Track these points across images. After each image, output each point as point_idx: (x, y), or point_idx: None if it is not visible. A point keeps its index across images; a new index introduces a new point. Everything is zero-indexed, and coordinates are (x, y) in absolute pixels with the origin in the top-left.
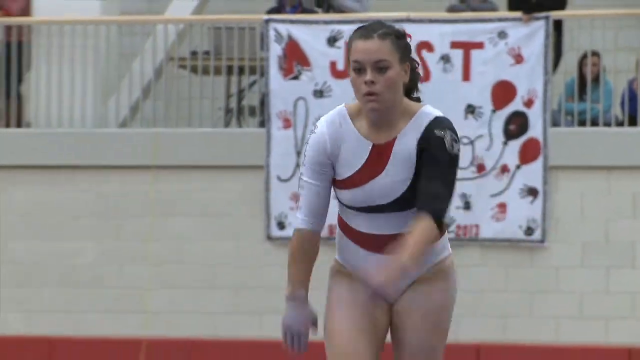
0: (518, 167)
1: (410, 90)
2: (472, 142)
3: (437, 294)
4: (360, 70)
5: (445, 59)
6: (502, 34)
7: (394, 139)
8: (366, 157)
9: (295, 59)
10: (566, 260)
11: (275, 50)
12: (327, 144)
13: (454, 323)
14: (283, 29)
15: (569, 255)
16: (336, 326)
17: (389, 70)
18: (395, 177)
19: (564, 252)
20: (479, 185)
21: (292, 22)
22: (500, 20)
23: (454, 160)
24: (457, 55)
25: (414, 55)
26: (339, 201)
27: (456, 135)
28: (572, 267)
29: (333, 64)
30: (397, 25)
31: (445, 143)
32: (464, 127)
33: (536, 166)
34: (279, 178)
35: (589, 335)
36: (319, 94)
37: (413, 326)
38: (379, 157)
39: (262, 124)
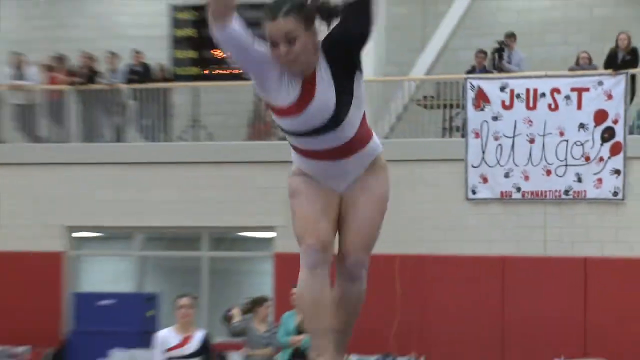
0: (609, 157)
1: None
2: (582, 144)
3: (380, 182)
4: (274, 44)
5: (567, 97)
6: (600, 82)
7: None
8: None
9: (481, 98)
10: (636, 210)
11: (470, 94)
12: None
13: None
14: (475, 82)
15: (638, 208)
16: (303, 211)
17: (297, 41)
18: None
19: (635, 206)
20: (587, 169)
21: (480, 78)
22: (599, 74)
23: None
24: (574, 95)
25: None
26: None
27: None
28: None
29: (503, 101)
30: (538, 81)
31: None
32: (578, 136)
33: (619, 157)
34: (472, 165)
35: None
36: (494, 118)
37: (363, 204)
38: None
39: (463, 135)
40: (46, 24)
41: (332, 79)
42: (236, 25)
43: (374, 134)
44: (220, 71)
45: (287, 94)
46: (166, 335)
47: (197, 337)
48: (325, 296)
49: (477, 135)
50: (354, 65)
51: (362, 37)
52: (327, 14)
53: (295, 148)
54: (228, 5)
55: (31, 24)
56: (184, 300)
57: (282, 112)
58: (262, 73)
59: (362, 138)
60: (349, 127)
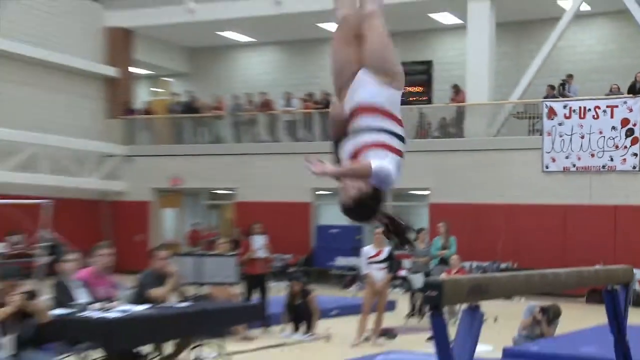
0: (630, 146)
1: None
2: (613, 139)
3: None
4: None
5: (604, 111)
6: (625, 102)
7: None
8: None
9: (552, 113)
10: None
11: (545, 110)
12: None
13: None
14: (548, 103)
15: None
16: None
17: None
18: None
19: None
20: (616, 153)
21: (551, 101)
22: (624, 97)
23: None
24: (609, 110)
25: None
26: None
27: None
28: None
29: (564, 114)
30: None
31: None
32: (611, 134)
33: (637, 146)
34: (546, 152)
35: None
36: (560, 124)
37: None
38: None
39: (541, 134)
40: (303, 75)
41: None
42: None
43: None
44: None
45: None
46: (367, 250)
47: (385, 251)
48: None
49: (549, 134)
50: None
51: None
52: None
53: None
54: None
55: (294, 74)
56: (378, 230)
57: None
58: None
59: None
60: None
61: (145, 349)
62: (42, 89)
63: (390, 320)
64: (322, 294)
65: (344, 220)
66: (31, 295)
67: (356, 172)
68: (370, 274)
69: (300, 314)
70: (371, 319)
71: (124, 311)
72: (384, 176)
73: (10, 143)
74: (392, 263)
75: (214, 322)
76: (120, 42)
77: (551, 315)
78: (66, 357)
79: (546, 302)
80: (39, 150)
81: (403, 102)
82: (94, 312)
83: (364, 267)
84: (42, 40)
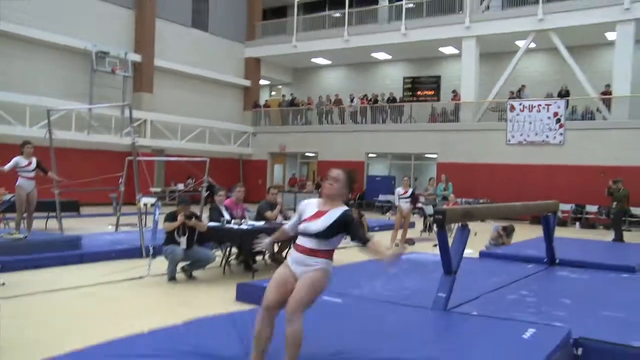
0: (558, 129)
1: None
2: (548, 124)
3: (317, 274)
4: (326, 179)
5: (544, 107)
6: (556, 102)
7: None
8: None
9: (512, 108)
10: None
11: (508, 106)
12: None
13: None
14: (510, 102)
15: None
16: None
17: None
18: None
19: None
20: (550, 133)
21: (512, 100)
22: (555, 99)
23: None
24: (546, 107)
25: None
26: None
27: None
28: None
29: (520, 109)
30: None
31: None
32: (548, 122)
33: (562, 129)
34: (510, 134)
35: None
36: (517, 115)
37: (298, 284)
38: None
39: (505, 120)
40: (360, 83)
41: (332, 222)
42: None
43: (329, 261)
44: None
45: (311, 211)
46: (399, 190)
47: (410, 191)
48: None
49: (510, 121)
50: (343, 231)
51: (351, 233)
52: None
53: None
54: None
55: (355, 83)
56: (405, 179)
57: (306, 219)
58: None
59: (325, 254)
60: (325, 245)
61: None
62: (203, 94)
63: (411, 233)
64: (370, 217)
65: (385, 172)
66: (189, 216)
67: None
68: (400, 205)
69: None
70: (399, 233)
71: (250, 225)
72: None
73: (189, 126)
74: (413, 199)
75: None
76: (253, 65)
77: (509, 231)
78: (216, 250)
79: (506, 223)
80: (204, 130)
81: (423, 101)
82: (233, 225)
83: (396, 200)
84: (203, 63)
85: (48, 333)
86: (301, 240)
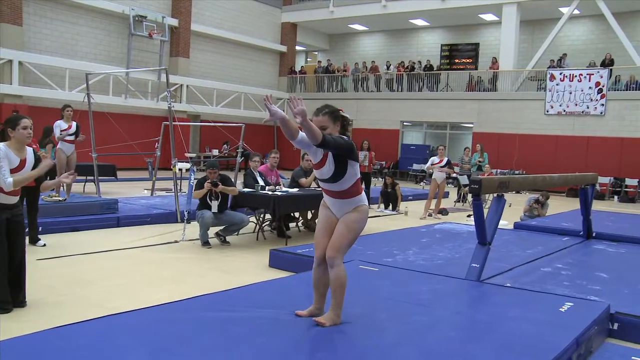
0: (600, 99)
1: (344, 131)
2: (589, 94)
3: (353, 215)
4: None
5: (585, 77)
6: (598, 71)
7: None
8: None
9: (552, 77)
10: None
11: (549, 75)
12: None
13: None
14: (550, 70)
15: None
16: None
17: (326, 129)
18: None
19: None
20: (591, 104)
21: (551, 69)
22: (598, 68)
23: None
24: (588, 76)
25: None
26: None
27: (342, 139)
28: None
29: (560, 78)
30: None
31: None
32: (589, 92)
33: (604, 99)
34: (550, 104)
35: None
36: (557, 84)
37: (338, 225)
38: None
39: (544, 90)
40: (397, 50)
41: (332, 159)
42: (300, 135)
43: (362, 194)
44: None
45: (316, 158)
46: (433, 159)
47: (445, 160)
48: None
49: (550, 90)
50: (344, 159)
51: (341, 154)
52: (343, 122)
53: (322, 188)
54: (294, 132)
55: (391, 50)
56: (441, 148)
57: (315, 166)
58: (310, 149)
59: (350, 193)
60: (343, 185)
61: (296, 214)
62: (240, 59)
63: (445, 203)
64: (404, 186)
65: (420, 141)
66: (215, 184)
67: (312, 132)
68: (434, 175)
69: (390, 198)
70: (433, 203)
71: (284, 191)
72: (316, 149)
73: (224, 91)
74: (449, 167)
75: None
76: (289, 31)
77: (543, 201)
78: (251, 215)
79: (539, 194)
80: (239, 95)
81: (461, 69)
82: (267, 191)
83: (428, 170)
84: (239, 28)
85: (94, 291)
86: (324, 185)
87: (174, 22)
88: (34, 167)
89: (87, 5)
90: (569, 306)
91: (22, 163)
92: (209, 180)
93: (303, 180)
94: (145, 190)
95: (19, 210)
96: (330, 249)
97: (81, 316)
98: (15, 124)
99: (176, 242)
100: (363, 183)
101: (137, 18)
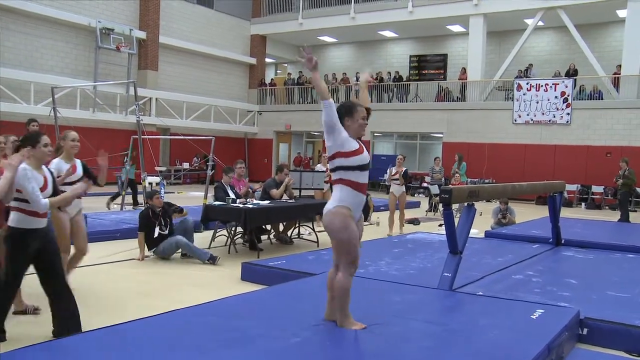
0: (565, 108)
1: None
2: (555, 104)
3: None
4: (363, 119)
5: (551, 87)
6: (563, 81)
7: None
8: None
9: (519, 87)
10: None
11: (516, 85)
12: None
13: None
14: (517, 80)
15: None
16: (354, 242)
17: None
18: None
19: None
20: (557, 113)
21: (519, 79)
22: (563, 78)
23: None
24: (554, 86)
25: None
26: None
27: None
28: None
29: (527, 88)
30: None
31: None
32: (555, 102)
33: (569, 108)
34: (517, 113)
35: None
36: (523, 94)
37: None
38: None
39: (512, 99)
40: (367, 61)
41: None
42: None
43: (339, 197)
44: None
45: (355, 144)
46: (390, 170)
47: (403, 171)
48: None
49: (517, 100)
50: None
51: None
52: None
53: (353, 184)
54: (324, 92)
55: (361, 61)
56: (400, 157)
57: (356, 152)
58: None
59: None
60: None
61: (268, 226)
62: (209, 71)
63: (415, 213)
64: (375, 196)
65: (390, 151)
66: (181, 209)
67: (319, 88)
68: (391, 187)
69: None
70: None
71: (255, 204)
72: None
73: (194, 104)
74: (407, 179)
75: (309, 211)
76: (258, 43)
77: (504, 207)
78: (221, 230)
79: (511, 204)
80: (209, 108)
81: (430, 79)
82: (238, 204)
83: (387, 181)
84: (209, 41)
85: None
86: (365, 177)
87: (142, 34)
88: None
89: (51, 17)
90: (540, 313)
91: (45, 182)
92: (175, 207)
93: (274, 192)
94: (115, 205)
95: (49, 232)
96: (334, 255)
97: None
98: (35, 141)
99: (147, 257)
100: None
101: (104, 31)
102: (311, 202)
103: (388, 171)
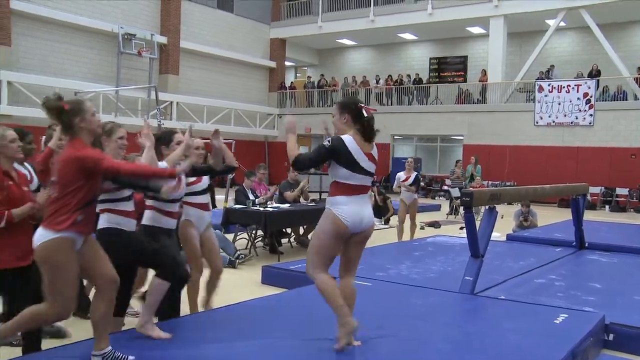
0: (588, 110)
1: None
2: (578, 105)
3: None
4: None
5: (573, 88)
6: (586, 82)
7: None
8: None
9: (541, 88)
10: None
11: (537, 86)
12: None
13: None
14: (538, 82)
15: None
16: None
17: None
18: None
19: None
20: (579, 114)
21: (540, 80)
22: (585, 79)
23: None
24: (576, 87)
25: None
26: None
27: (329, 141)
28: None
29: (549, 89)
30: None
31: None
32: (578, 103)
33: (592, 110)
34: (539, 115)
35: None
36: (545, 96)
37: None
38: None
39: (532, 101)
40: (386, 64)
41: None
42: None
43: (333, 198)
44: None
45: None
46: (400, 175)
47: (412, 177)
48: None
49: (538, 102)
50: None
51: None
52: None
53: (350, 187)
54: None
55: (380, 64)
56: (409, 161)
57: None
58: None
59: (329, 193)
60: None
61: (288, 229)
62: (229, 75)
63: (436, 216)
64: (394, 199)
65: (411, 154)
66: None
67: (289, 147)
68: (401, 195)
69: (381, 211)
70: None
71: (275, 207)
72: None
73: (214, 108)
74: (417, 185)
75: None
76: (278, 46)
77: (525, 210)
78: (241, 233)
79: (533, 206)
80: (229, 112)
81: (450, 82)
82: (259, 207)
83: (396, 187)
84: (229, 45)
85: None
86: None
87: (163, 39)
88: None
89: (75, 24)
90: (563, 318)
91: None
92: None
93: (287, 194)
94: None
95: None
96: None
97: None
98: (170, 139)
99: None
100: None
101: (126, 36)
102: None
103: (397, 177)
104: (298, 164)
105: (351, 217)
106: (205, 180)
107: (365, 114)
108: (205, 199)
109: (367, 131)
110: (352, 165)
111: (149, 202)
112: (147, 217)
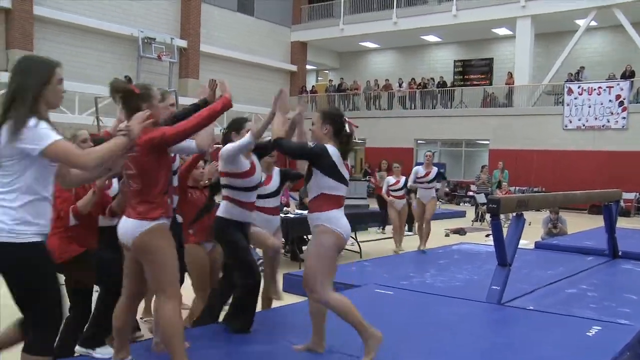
0: (621, 112)
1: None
2: (609, 108)
3: (314, 241)
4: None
5: (605, 90)
6: (618, 84)
7: None
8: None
9: (570, 91)
10: None
11: (566, 89)
12: None
13: None
14: (567, 84)
15: None
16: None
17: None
18: None
19: None
20: (611, 117)
21: (569, 82)
22: (618, 80)
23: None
24: (607, 89)
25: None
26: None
27: (317, 148)
28: None
29: (578, 92)
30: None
31: None
32: (609, 106)
33: (625, 112)
34: (566, 117)
35: None
36: (575, 98)
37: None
38: None
39: (562, 103)
40: (409, 67)
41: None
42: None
43: (325, 213)
44: None
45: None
46: (389, 179)
47: (402, 181)
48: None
49: (567, 105)
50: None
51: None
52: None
53: (339, 199)
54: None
55: (403, 67)
56: (396, 165)
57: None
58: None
59: (312, 207)
60: (310, 193)
61: (309, 237)
62: (249, 79)
63: (461, 223)
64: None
65: (435, 159)
66: None
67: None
68: (391, 201)
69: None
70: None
71: (297, 214)
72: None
73: (235, 112)
74: (407, 191)
75: (351, 221)
76: (299, 50)
77: (554, 217)
78: None
79: (562, 213)
80: (250, 116)
81: (475, 85)
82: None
83: (385, 192)
84: (249, 48)
85: None
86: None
87: (183, 43)
88: None
89: (96, 29)
90: (596, 330)
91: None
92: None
93: (307, 200)
94: None
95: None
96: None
97: None
98: (240, 127)
99: None
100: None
101: (145, 40)
102: (353, 212)
103: (414, 171)
104: (280, 145)
105: (346, 231)
106: (276, 181)
107: (348, 130)
108: (275, 202)
109: (344, 147)
110: (337, 175)
111: (224, 192)
112: (220, 209)
